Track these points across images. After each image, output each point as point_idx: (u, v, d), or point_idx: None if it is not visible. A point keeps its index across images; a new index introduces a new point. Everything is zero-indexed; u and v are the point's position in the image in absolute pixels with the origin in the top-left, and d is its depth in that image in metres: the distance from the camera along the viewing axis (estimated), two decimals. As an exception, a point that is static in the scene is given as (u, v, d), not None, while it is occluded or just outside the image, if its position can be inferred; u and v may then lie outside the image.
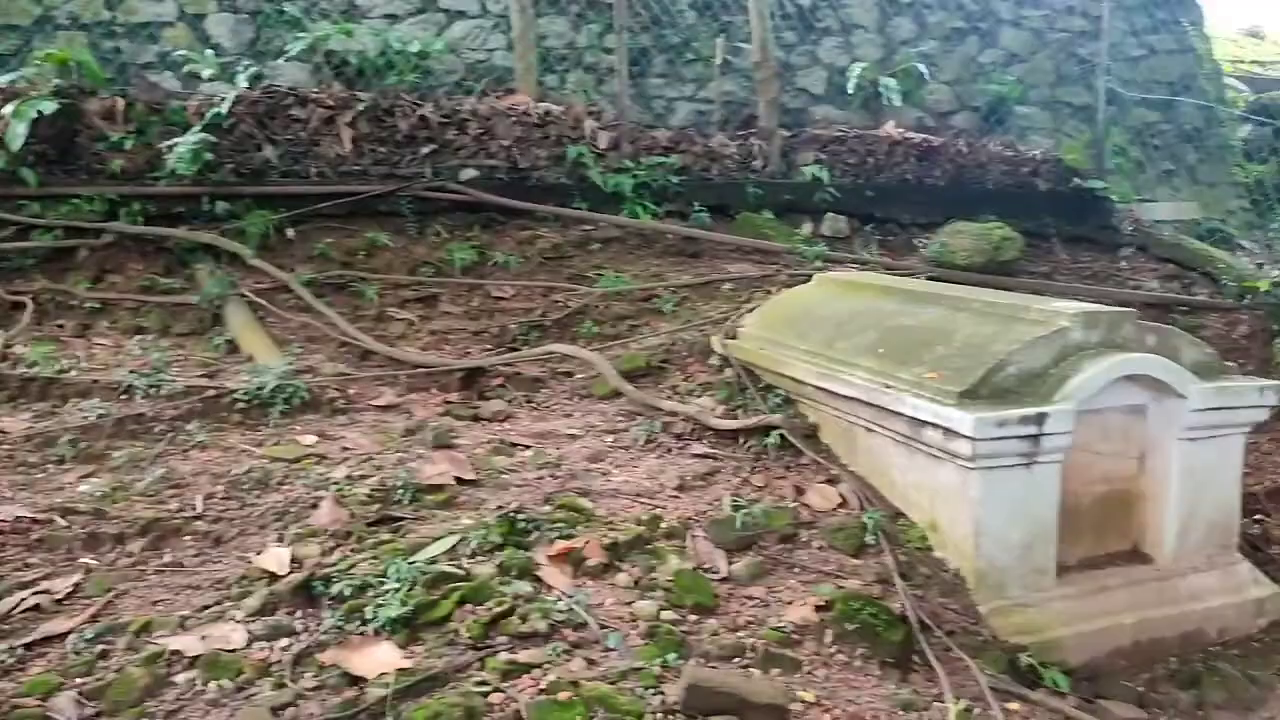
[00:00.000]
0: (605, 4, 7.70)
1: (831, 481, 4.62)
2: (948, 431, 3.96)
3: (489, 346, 6.17)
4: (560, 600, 3.55)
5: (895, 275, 6.57)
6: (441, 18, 7.72)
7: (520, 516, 3.96)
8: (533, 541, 3.88)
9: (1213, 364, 4.47)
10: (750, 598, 3.82)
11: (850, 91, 8.30)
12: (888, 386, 4.31)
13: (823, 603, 3.72)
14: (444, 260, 6.65)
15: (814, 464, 4.73)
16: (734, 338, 5.67)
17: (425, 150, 6.84)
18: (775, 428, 4.86)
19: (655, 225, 7.05)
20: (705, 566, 3.96)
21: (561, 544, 3.86)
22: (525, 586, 3.58)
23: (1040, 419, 3.92)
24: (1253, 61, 14.26)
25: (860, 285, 5.65)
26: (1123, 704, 3.86)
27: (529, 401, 5.59)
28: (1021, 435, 3.92)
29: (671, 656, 3.31)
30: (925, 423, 4.08)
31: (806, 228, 7.69)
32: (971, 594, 4.02)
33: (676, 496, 4.43)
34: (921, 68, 8.52)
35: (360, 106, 6.66)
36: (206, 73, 6.79)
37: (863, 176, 7.89)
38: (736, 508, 4.26)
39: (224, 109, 6.32)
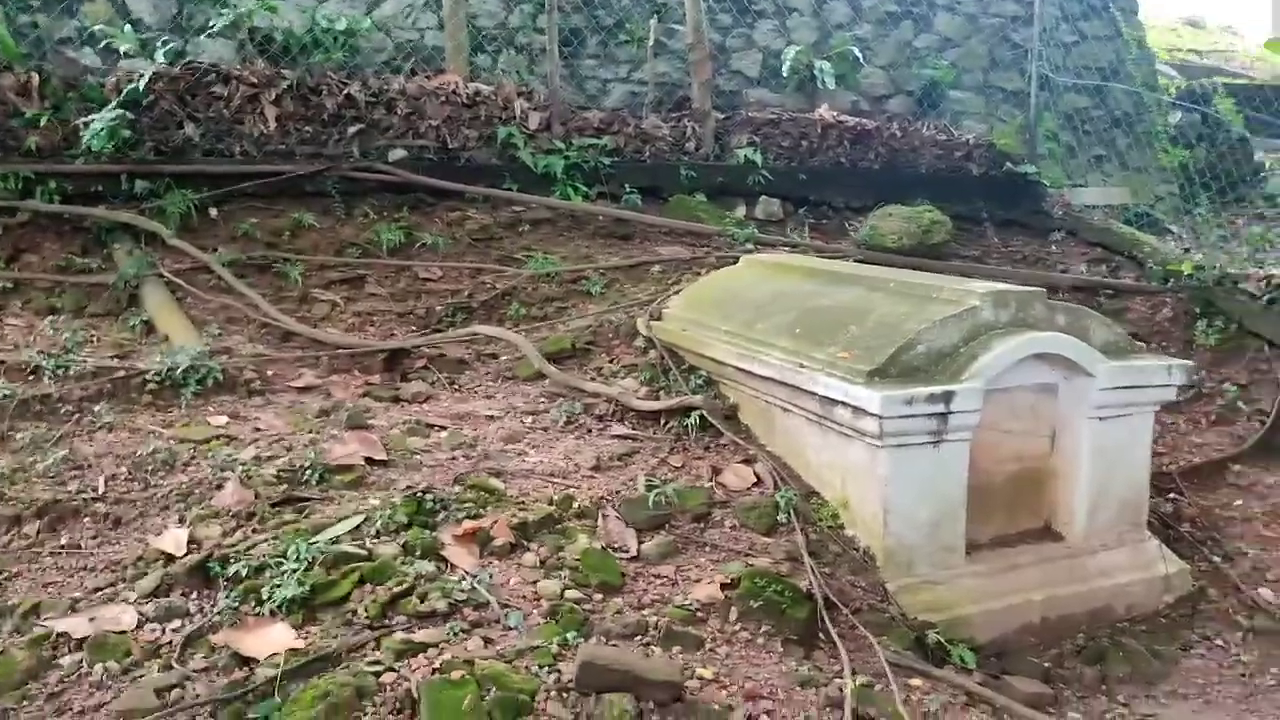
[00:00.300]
0: (539, -16, 7.64)
1: (748, 461, 4.62)
2: (857, 410, 3.97)
3: (414, 328, 6.11)
4: (464, 580, 3.53)
5: (826, 258, 6.59)
6: (371, -5, 7.61)
7: (428, 496, 3.93)
8: (440, 521, 3.85)
9: (1122, 343, 4.52)
10: (659, 576, 3.82)
11: (785, 74, 8.29)
12: (802, 366, 4.31)
13: (729, 581, 3.72)
14: (371, 241, 6.57)
15: (732, 444, 4.74)
16: (659, 319, 5.65)
17: (352, 130, 6.74)
18: (695, 408, 4.86)
19: (586, 207, 7.01)
20: (615, 546, 3.95)
21: (469, 524, 3.83)
22: (428, 566, 3.55)
23: (948, 397, 3.94)
24: (1189, 49, 14.46)
25: (785, 267, 5.66)
26: (1028, 679, 3.90)
27: (452, 383, 5.55)
28: (929, 413, 3.94)
29: (572, 635, 3.29)
30: (836, 401, 4.09)
31: (740, 210, 7.68)
32: (880, 572, 4.05)
33: (592, 476, 4.41)
34: (856, 51, 8.52)
35: (284, 84, 6.55)
36: (125, 48, 6.63)
37: (796, 160, 7.89)
38: (650, 487, 4.24)
39: (140, 85, 6.19)
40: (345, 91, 6.69)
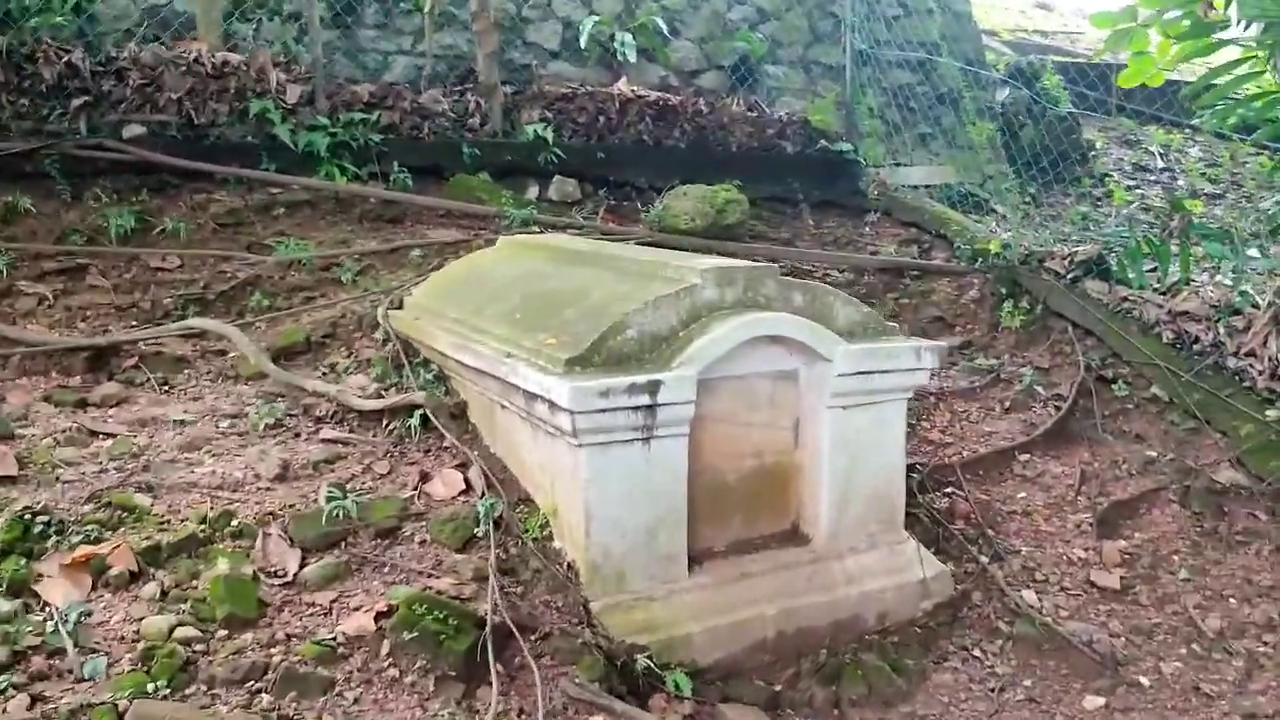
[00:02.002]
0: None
1: (463, 466, 4.09)
2: (553, 405, 3.45)
3: (136, 323, 5.42)
4: (50, 620, 2.93)
5: (613, 240, 6.08)
6: (112, -44, 6.85)
7: (40, 519, 3.32)
8: (49, 548, 3.24)
9: (871, 324, 4.08)
10: (312, 605, 3.27)
11: (584, 47, 7.76)
12: (508, 356, 3.78)
13: (385, 609, 3.18)
14: (99, 228, 5.85)
15: (454, 447, 4.20)
16: (399, 308, 5.09)
17: (76, 103, 6.01)
18: (418, 407, 4.32)
19: (350, 188, 6.38)
20: (271, 569, 3.39)
21: (85, 550, 3.23)
22: (3, 605, 2.93)
23: (653, 388, 3.44)
24: (1035, 30, 14.36)
25: (537, 247, 5.13)
26: (747, 707, 3.45)
27: (165, 384, 4.89)
28: (633, 406, 3.43)
29: (161, 683, 2.72)
30: (536, 395, 3.57)
31: (533, 191, 7.13)
32: (585, 589, 3.54)
33: (271, 489, 3.83)
34: (661, 23, 8.00)
35: (-9, 52, 5.81)
36: None
37: (594, 137, 7.36)
38: (330, 499, 3.68)
39: None
40: (65, 59, 5.95)
